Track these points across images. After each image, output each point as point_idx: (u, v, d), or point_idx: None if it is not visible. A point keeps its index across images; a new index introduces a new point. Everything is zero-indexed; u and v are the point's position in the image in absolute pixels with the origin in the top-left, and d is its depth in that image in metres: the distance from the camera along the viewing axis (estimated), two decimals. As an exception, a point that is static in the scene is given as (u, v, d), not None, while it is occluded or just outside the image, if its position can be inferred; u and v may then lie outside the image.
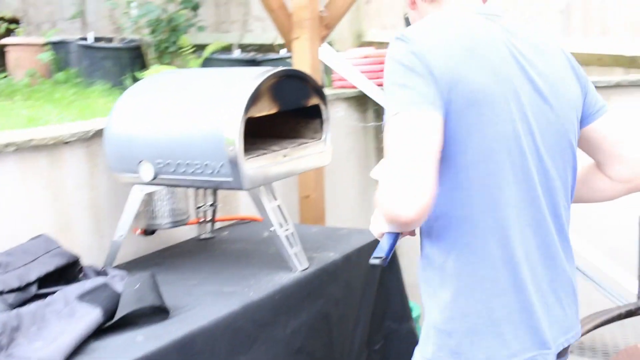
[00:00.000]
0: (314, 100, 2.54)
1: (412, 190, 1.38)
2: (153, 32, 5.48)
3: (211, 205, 2.91)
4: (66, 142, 2.52)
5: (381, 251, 1.52)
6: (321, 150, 2.60)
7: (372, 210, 1.64)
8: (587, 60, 4.15)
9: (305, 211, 3.56)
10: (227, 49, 5.52)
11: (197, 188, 2.69)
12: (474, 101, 1.48)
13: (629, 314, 2.91)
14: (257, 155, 2.36)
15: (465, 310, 1.56)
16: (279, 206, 2.45)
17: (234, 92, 2.26)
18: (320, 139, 2.60)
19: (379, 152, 4.38)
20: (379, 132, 4.31)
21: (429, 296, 1.62)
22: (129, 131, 2.39)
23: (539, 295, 1.59)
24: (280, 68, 2.38)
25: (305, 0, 3.40)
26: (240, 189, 2.27)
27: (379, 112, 4.27)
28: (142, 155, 2.35)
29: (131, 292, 2.06)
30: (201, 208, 2.89)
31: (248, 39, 5.82)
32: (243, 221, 3.15)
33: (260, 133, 2.56)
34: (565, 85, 1.66)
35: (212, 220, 2.93)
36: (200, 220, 2.92)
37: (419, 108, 1.43)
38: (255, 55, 5.37)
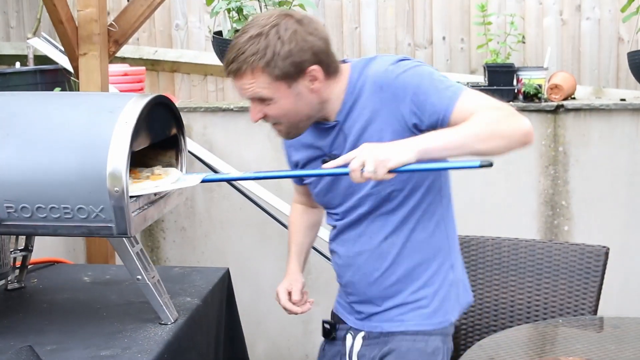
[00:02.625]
0: (174, 130, 2.27)
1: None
2: None
3: (23, 249, 2.47)
4: None
5: (482, 161, 1.76)
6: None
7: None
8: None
9: (93, 248, 3.18)
10: None
11: (60, 236, 2.26)
12: None
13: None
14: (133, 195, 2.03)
15: None
16: (141, 250, 2.15)
17: (110, 121, 1.93)
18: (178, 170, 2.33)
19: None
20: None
21: None
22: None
23: None
24: (153, 94, 2.08)
25: (94, 13, 3.05)
26: (124, 235, 1.94)
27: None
28: (-17, 198, 1.91)
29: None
30: (11, 253, 2.44)
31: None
32: (44, 264, 2.73)
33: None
34: None
35: (25, 268, 2.49)
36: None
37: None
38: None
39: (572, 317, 2.75)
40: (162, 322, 2.14)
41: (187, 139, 3.64)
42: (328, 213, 2.18)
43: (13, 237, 2.41)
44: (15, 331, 2.11)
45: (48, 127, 1.97)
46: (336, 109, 1.99)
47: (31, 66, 4.30)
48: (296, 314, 2.26)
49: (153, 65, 4.75)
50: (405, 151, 1.75)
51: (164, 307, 2.14)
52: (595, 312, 2.75)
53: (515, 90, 3.87)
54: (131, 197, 1.94)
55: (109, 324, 2.15)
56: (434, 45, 4.63)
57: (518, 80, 3.90)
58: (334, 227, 2.16)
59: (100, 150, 1.89)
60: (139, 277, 2.10)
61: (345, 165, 1.78)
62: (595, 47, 4.49)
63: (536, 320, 2.77)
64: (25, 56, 4.39)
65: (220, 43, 3.76)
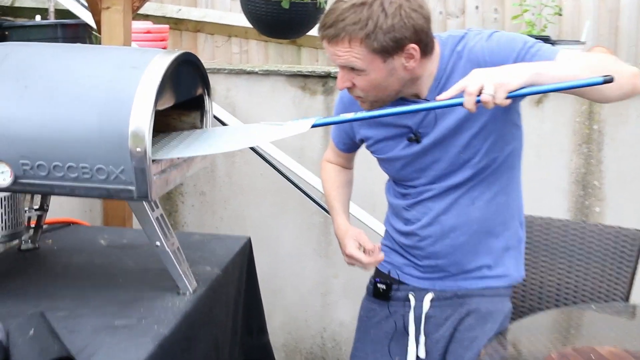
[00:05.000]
0: (199, 90, 2.15)
1: None
2: None
3: (38, 209, 2.37)
4: None
5: (604, 76, 1.68)
6: (206, 148, 2.21)
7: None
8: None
9: (111, 210, 3.08)
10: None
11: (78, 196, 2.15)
12: None
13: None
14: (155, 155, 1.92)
15: None
16: (162, 215, 2.04)
17: (134, 77, 1.81)
18: (201, 133, 2.22)
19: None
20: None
21: None
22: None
23: None
24: (180, 51, 1.96)
25: (118, -36, 2.92)
26: (144, 199, 1.84)
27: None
28: (-2, 153, 1.81)
29: (27, 342, 1.57)
30: (26, 212, 2.34)
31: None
32: (59, 225, 2.63)
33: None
34: None
35: (40, 228, 2.39)
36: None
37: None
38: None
39: (604, 302, 2.64)
40: (181, 292, 2.04)
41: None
42: (400, 183, 2.13)
43: (28, 196, 2.31)
44: (27, 295, 2.02)
45: (69, 81, 1.86)
46: (427, 86, 1.97)
47: (52, 20, 4.17)
48: (379, 262, 2.13)
49: (176, 24, 4.62)
50: (521, 74, 1.72)
51: (183, 276, 2.04)
52: (627, 298, 2.64)
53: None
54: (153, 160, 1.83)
55: (124, 291, 2.06)
56: (466, 15, 4.48)
57: (554, 54, 3.73)
58: (406, 194, 2.12)
59: (122, 108, 1.78)
60: (158, 243, 2.00)
61: (458, 96, 1.73)
62: (635, 22, 4.32)
63: (566, 304, 2.67)
64: (46, 9, 4.26)
65: (248, 2, 3.63)
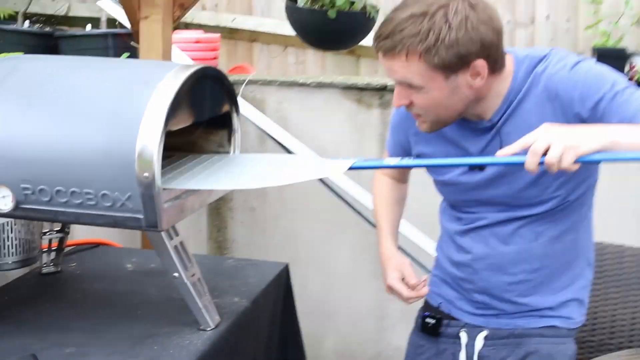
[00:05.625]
0: (225, 107, 1.97)
1: None
2: None
3: (59, 231, 2.23)
4: None
5: None
6: (232, 170, 2.03)
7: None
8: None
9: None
10: (12, 17, 4.60)
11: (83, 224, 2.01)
12: None
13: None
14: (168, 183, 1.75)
15: None
16: (181, 244, 1.87)
17: (143, 94, 1.65)
18: (227, 154, 2.04)
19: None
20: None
21: None
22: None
23: None
24: (199, 65, 1.79)
25: (158, -28, 2.77)
26: (154, 230, 1.67)
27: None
28: (-1, 177, 1.66)
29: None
30: (47, 234, 2.21)
31: (34, 8, 4.91)
32: (88, 246, 2.49)
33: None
34: None
35: (61, 250, 2.25)
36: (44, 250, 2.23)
37: None
38: (49, 28, 4.50)
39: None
40: (201, 328, 1.86)
41: (260, 115, 3.41)
42: (455, 207, 1.93)
43: (49, 218, 2.17)
44: (37, 325, 1.87)
45: (75, 98, 1.70)
46: (493, 108, 1.74)
47: (103, 29, 4.08)
48: (422, 297, 1.95)
49: (231, 33, 4.47)
50: (596, 138, 1.50)
51: (204, 311, 1.86)
52: None
53: (627, 78, 3.42)
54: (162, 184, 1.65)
55: (141, 324, 1.89)
56: (535, 24, 4.20)
57: (631, 67, 3.45)
58: (461, 219, 1.92)
59: (129, 128, 1.61)
60: (176, 274, 1.82)
61: (522, 153, 1.51)
62: None
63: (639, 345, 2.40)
64: (99, 19, 4.17)
65: (293, 11, 3.44)
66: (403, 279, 1.90)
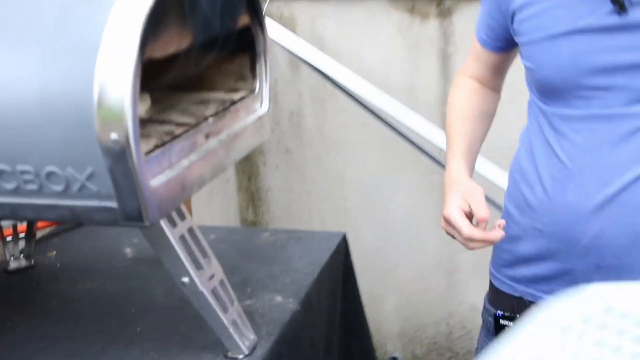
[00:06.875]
0: (244, 19, 1.30)
1: None
2: None
3: (27, 211, 1.60)
4: None
5: None
6: (258, 115, 1.36)
7: None
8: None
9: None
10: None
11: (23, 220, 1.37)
12: None
13: None
14: (158, 144, 1.09)
15: None
16: (190, 230, 1.22)
17: (98, 4, 0.98)
18: (252, 90, 1.37)
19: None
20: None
21: None
22: None
23: None
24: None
25: None
26: (136, 224, 1.02)
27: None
28: None
29: None
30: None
31: None
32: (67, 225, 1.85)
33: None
34: None
35: (32, 237, 1.62)
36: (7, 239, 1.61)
37: None
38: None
39: None
40: (230, 356, 1.24)
41: (290, 35, 2.87)
42: (561, 96, 1.25)
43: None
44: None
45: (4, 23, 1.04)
46: None
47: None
48: (491, 243, 1.28)
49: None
50: None
51: (231, 330, 1.22)
52: None
53: None
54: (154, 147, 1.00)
55: (138, 351, 1.27)
56: None
57: None
58: (567, 117, 1.25)
59: (81, 59, 0.95)
60: (186, 279, 1.19)
61: None
62: None
63: None
64: None
65: None
66: (469, 215, 1.24)
